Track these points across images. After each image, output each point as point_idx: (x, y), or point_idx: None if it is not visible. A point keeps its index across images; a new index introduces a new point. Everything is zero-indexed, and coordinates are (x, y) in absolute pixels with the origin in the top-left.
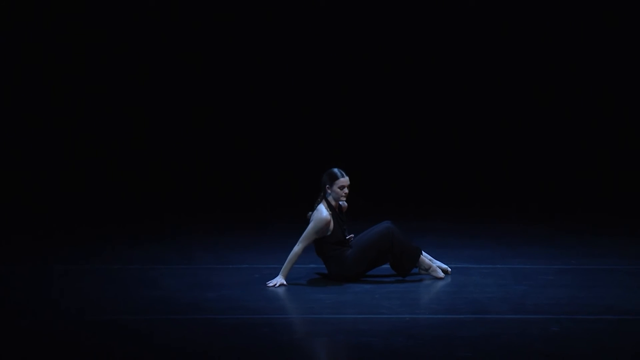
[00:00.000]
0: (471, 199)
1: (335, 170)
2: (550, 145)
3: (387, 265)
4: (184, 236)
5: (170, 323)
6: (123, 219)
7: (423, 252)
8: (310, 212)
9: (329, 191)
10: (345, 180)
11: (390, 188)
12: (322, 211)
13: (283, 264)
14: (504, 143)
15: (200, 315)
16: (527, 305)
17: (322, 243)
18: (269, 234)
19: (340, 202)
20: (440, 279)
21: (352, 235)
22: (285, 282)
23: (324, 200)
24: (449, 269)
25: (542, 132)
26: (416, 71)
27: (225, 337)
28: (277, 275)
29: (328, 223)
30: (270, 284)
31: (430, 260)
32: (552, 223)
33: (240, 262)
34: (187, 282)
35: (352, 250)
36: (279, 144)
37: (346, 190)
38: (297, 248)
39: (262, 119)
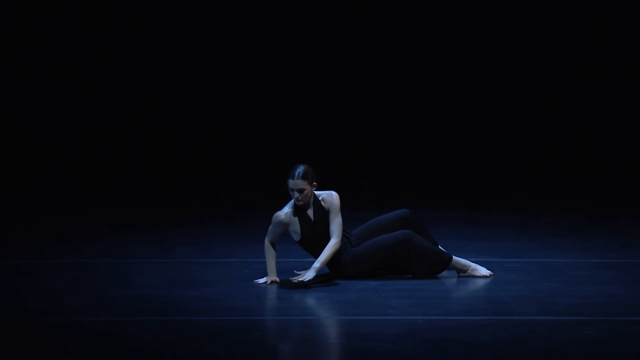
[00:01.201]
0: (490, 184)
1: (293, 169)
2: (581, 129)
3: None
4: (162, 226)
5: (145, 326)
6: (91, 207)
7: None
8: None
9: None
10: (292, 182)
11: (400, 176)
12: (281, 210)
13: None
14: (531, 125)
15: (180, 317)
16: (558, 305)
17: (308, 249)
18: (259, 224)
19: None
20: (486, 276)
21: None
22: (277, 279)
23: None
24: (491, 273)
25: (575, 113)
26: (433, 57)
27: (210, 341)
28: (266, 272)
29: (277, 223)
30: (261, 282)
31: (462, 260)
32: (585, 211)
33: (226, 256)
34: (165, 279)
35: (358, 249)
36: (274, 127)
37: (296, 194)
38: (266, 241)
39: (256, 103)
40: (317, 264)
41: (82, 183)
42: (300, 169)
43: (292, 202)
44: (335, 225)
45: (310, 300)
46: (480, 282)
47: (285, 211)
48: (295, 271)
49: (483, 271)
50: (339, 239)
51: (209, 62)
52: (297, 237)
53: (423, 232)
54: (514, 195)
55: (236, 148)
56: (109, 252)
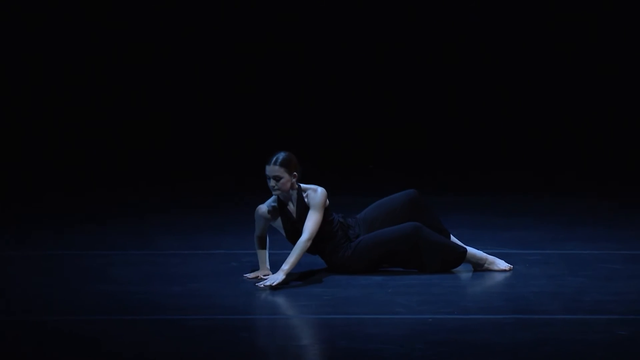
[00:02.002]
0: (509, 165)
1: (271, 155)
2: (616, 109)
3: None
4: (140, 213)
5: (122, 326)
6: (60, 192)
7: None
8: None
9: None
10: (267, 169)
11: (406, 158)
12: (265, 202)
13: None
14: (561, 103)
15: (160, 316)
16: (586, 302)
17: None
18: (249, 212)
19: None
20: (505, 271)
21: (262, 284)
22: (270, 273)
23: None
24: (510, 267)
25: (611, 94)
26: (445, 40)
27: (194, 343)
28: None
29: (258, 218)
30: (251, 276)
31: (478, 252)
32: (617, 198)
33: (212, 247)
34: (144, 273)
35: (361, 243)
36: (269, 108)
37: (272, 182)
38: (254, 234)
39: (251, 83)
40: (286, 265)
41: (51, 169)
42: (280, 155)
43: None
44: (310, 222)
45: (307, 297)
46: (499, 277)
47: (267, 205)
48: (260, 275)
49: (501, 265)
50: (309, 238)
51: (195, 44)
52: (282, 232)
53: (431, 216)
54: (536, 179)
55: (224, 129)
56: (80, 243)
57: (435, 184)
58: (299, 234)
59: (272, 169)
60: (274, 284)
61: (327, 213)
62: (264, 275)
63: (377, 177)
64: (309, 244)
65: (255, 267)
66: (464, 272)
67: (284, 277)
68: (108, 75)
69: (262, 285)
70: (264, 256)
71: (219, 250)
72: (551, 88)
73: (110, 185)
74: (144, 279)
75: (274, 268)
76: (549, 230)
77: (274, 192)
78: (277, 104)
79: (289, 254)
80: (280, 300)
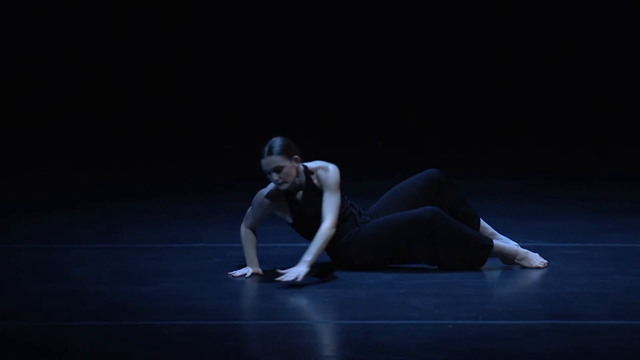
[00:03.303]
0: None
1: (264, 146)
2: None
3: None
4: (105, 199)
5: (83, 333)
6: (9, 174)
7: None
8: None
9: None
10: (264, 164)
11: (424, 134)
12: (265, 188)
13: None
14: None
15: (129, 321)
16: (635, 305)
17: (302, 233)
18: (233, 199)
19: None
20: (539, 267)
21: (284, 278)
22: (259, 270)
23: None
24: (546, 262)
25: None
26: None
27: (169, 353)
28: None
29: (260, 204)
30: (237, 274)
31: (508, 244)
32: None
33: (191, 240)
34: (109, 270)
35: (364, 229)
36: (262, 83)
37: (274, 176)
38: (243, 226)
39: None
40: (308, 256)
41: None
42: (273, 143)
43: None
44: (329, 206)
45: (304, 299)
46: (531, 275)
47: (270, 189)
48: (279, 270)
49: (535, 260)
50: (333, 224)
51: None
52: (289, 219)
53: (457, 199)
54: (575, 157)
55: (206, 107)
56: (33, 235)
57: (457, 164)
58: (311, 221)
59: (269, 161)
60: (299, 279)
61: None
62: (252, 275)
63: (388, 157)
64: (333, 232)
65: (243, 263)
66: (490, 269)
67: (307, 270)
68: (80, 50)
69: (284, 281)
70: (254, 251)
71: (198, 244)
72: (596, 62)
73: (71, 166)
74: (109, 278)
75: (264, 264)
76: (592, 220)
77: (281, 188)
78: (263, 86)
79: (280, 246)
80: (272, 303)
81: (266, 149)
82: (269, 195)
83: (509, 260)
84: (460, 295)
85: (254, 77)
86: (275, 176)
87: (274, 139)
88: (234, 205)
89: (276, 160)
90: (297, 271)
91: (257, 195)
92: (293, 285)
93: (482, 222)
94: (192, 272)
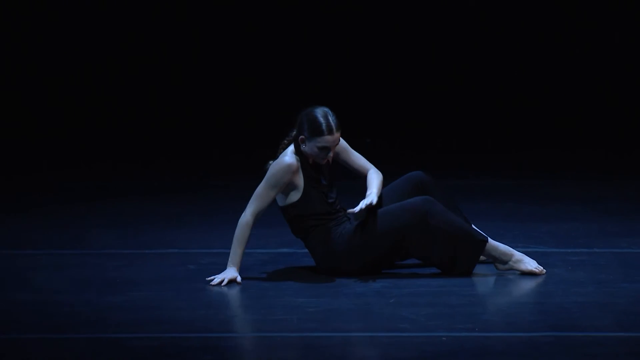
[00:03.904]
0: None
1: (320, 118)
2: None
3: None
4: (70, 201)
5: (46, 346)
6: None
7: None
8: (271, 162)
9: (303, 144)
10: (331, 139)
11: (415, 129)
12: (285, 156)
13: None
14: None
15: (96, 334)
16: None
17: (299, 216)
18: (211, 199)
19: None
20: (535, 274)
21: (357, 208)
22: (239, 277)
23: (293, 146)
24: (543, 270)
25: None
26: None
27: None
28: (225, 266)
29: (286, 172)
30: (215, 282)
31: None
32: None
33: (164, 245)
34: (72, 279)
35: (358, 227)
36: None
37: (330, 154)
38: (245, 217)
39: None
40: (375, 189)
41: None
42: (335, 117)
43: (289, 149)
44: (361, 160)
45: (285, 309)
46: (532, 283)
47: (293, 157)
48: (228, 279)
49: (530, 265)
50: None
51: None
52: (295, 196)
53: (444, 203)
54: (579, 154)
55: (179, 105)
56: None
57: (449, 163)
58: (319, 195)
59: (335, 138)
60: (224, 283)
61: None
62: (229, 282)
63: (377, 154)
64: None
65: (221, 269)
66: (487, 276)
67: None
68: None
69: (359, 209)
70: (241, 253)
71: (171, 250)
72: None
73: (31, 165)
74: (73, 287)
75: (244, 271)
76: (598, 223)
77: (322, 162)
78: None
79: (261, 252)
80: (251, 314)
81: (335, 123)
82: (294, 162)
83: (503, 261)
84: (455, 305)
85: (242, 74)
86: (330, 153)
87: (328, 110)
88: (210, 208)
89: (339, 136)
90: (223, 275)
91: (282, 162)
92: (221, 286)
93: (474, 228)
94: (164, 281)
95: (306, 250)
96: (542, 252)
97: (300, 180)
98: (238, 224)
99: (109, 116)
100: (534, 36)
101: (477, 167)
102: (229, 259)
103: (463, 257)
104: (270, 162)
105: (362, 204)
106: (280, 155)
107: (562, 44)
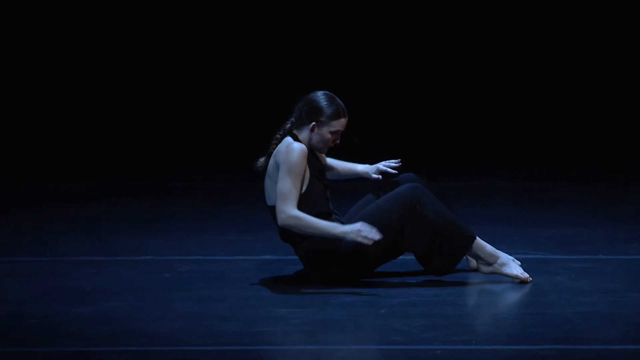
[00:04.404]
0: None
1: (332, 102)
2: None
3: (405, 256)
4: (37, 204)
5: None
6: None
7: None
8: (260, 160)
9: (312, 132)
10: (345, 121)
11: (409, 129)
12: (292, 144)
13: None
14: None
15: (65, 347)
16: None
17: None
18: (185, 205)
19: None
20: (521, 280)
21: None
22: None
23: (291, 135)
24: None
25: None
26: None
27: None
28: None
29: (305, 156)
30: (376, 237)
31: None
32: None
33: (137, 252)
34: (42, 288)
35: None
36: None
37: (336, 138)
38: (289, 215)
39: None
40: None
41: None
42: (341, 102)
43: (287, 140)
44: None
45: (270, 320)
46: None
47: (300, 143)
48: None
49: (515, 269)
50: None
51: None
52: (299, 191)
53: (440, 216)
54: (583, 156)
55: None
56: None
57: (443, 163)
58: (319, 189)
59: (344, 122)
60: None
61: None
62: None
63: (366, 154)
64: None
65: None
66: (484, 283)
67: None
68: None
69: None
70: (323, 221)
71: (145, 257)
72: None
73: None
74: (42, 296)
75: (226, 281)
76: (604, 227)
77: (325, 151)
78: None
79: (247, 260)
80: (232, 325)
81: (342, 107)
82: (305, 148)
83: (488, 262)
84: (450, 316)
85: (237, 76)
86: (338, 140)
87: (334, 95)
88: (186, 213)
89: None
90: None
91: (293, 151)
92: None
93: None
94: (138, 290)
95: (290, 258)
96: (543, 258)
97: (307, 170)
98: (288, 224)
99: (81, 118)
100: (535, 36)
101: (473, 168)
102: (336, 230)
103: (448, 250)
104: (261, 159)
105: (382, 166)
106: (284, 145)
107: (564, 44)
